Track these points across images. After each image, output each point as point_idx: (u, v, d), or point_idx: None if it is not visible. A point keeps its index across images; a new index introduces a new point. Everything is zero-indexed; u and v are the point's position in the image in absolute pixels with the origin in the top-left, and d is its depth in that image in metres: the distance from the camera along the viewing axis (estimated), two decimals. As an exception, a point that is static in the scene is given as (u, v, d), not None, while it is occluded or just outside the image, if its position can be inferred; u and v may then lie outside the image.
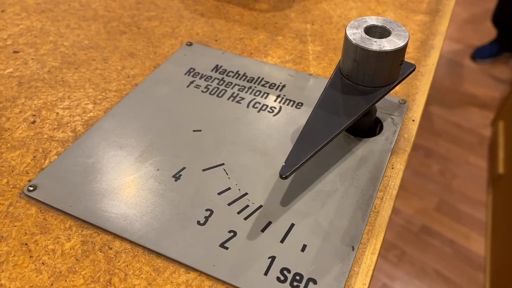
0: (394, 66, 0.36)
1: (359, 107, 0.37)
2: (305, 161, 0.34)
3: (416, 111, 0.46)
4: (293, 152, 0.34)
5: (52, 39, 0.55)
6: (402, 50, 0.36)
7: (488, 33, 1.98)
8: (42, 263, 0.32)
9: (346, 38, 0.36)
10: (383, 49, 0.35)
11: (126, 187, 0.38)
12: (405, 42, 0.36)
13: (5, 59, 0.52)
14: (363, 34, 0.36)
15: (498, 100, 1.73)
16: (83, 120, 0.44)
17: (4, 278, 0.31)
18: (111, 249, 0.33)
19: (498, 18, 1.85)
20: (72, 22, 0.58)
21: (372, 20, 0.37)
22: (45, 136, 0.42)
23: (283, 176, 0.33)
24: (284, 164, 0.34)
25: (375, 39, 0.36)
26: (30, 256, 0.33)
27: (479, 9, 2.23)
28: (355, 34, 0.36)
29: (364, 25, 0.37)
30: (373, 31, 0.37)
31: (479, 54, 1.92)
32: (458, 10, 2.21)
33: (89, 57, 0.52)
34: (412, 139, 0.43)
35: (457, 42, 2.04)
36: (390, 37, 0.36)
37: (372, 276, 0.32)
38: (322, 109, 0.37)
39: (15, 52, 0.53)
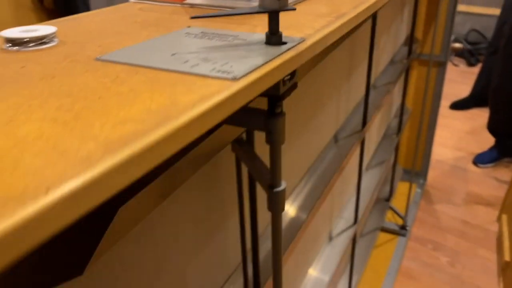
0: None
1: None
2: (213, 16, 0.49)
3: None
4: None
5: None
6: None
7: (487, 142, 2.13)
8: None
9: None
10: None
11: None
12: None
13: None
14: None
15: (503, 199, 1.80)
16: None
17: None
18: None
19: (493, 126, 2.01)
20: None
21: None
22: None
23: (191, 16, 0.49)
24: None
25: None
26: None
27: (477, 122, 2.42)
28: None
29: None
30: None
31: (480, 159, 2.03)
32: (458, 125, 2.40)
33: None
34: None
35: (459, 150, 2.18)
36: None
37: None
38: None
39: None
